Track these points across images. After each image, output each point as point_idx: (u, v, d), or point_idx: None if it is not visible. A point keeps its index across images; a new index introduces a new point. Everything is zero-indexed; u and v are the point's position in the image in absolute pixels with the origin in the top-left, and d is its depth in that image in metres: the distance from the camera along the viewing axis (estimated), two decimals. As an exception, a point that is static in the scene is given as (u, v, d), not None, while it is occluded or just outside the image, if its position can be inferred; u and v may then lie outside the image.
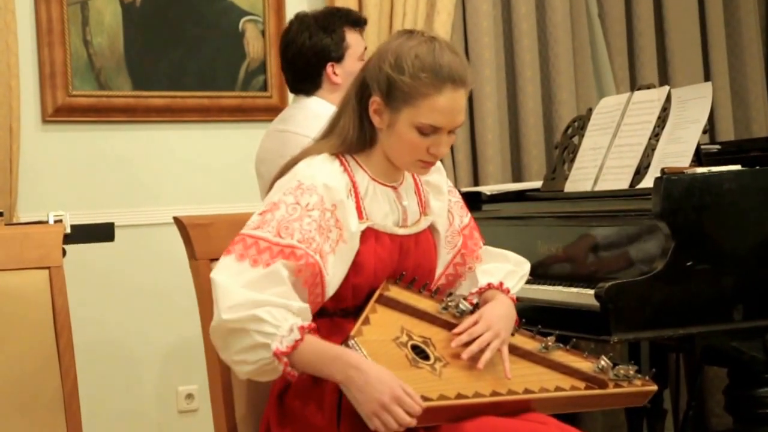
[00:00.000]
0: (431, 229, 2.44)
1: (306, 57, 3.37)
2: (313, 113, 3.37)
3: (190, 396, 4.12)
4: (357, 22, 3.45)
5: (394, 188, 2.36)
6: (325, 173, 2.25)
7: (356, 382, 2.08)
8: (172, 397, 4.13)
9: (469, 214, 2.56)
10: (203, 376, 2.48)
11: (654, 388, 2.38)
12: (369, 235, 2.28)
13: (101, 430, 3.86)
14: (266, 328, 2.10)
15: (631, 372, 2.35)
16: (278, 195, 2.24)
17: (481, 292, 2.44)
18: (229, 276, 2.14)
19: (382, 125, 2.27)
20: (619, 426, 4.46)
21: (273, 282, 2.14)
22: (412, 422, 2.05)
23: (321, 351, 2.12)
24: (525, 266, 2.54)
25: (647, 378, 2.39)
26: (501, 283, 2.44)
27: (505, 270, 2.49)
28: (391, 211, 2.34)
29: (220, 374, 2.42)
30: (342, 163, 2.30)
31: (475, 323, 2.27)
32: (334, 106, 3.39)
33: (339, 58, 3.38)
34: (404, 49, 2.22)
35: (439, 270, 2.47)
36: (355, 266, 2.26)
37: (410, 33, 2.28)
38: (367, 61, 2.33)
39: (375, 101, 2.25)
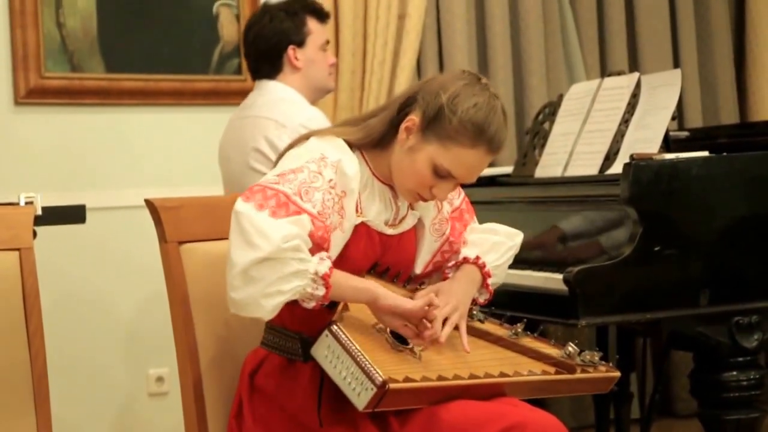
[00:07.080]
0: (417, 223, 2.43)
1: (266, 38, 3.41)
2: (276, 97, 3.39)
3: (160, 379, 4.12)
4: (319, 12, 3.50)
5: (392, 187, 2.36)
6: (346, 158, 2.25)
7: (383, 293, 2.19)
8: (143, 380, 4.13)
9: (462, 195, 2.55)
10: (174, 359, 2.48)
11: (617, 374, 2.43)
12: (361, 230, 2.29)
13: (70, 413, 3.86)
14: (303, 256, 2.10)
15: (596, 358, 2.40)
16: (299, 162, 2.22)
17: (457, 266, 2.43)
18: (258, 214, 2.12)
19: (405, 145, 2.26)
20: (586, 409, 4.51)
21: (299, 227, 2.13)
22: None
23: (347, 274, 2.19)
24: (516, 238, 2.53)
25: (611, 364, 2.44)
26: (477, 257, 2.43)
27: (490, 242, 2.48)
28: (385, 210, 2.34)
29: (190, 357, 2.42)
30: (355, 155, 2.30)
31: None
32: (296, 90, 3.42)
33: (300, 42, 3.41)
34: (467, 93, 2.24)
35: (426, 259, 2.46)
36: (341, 258, 2.26)
37: (479, 80, 2.30)
38: (428, 80, 2.33)
39: (412, 120, 2.25)
